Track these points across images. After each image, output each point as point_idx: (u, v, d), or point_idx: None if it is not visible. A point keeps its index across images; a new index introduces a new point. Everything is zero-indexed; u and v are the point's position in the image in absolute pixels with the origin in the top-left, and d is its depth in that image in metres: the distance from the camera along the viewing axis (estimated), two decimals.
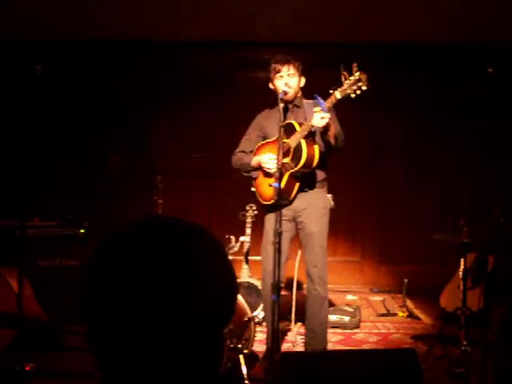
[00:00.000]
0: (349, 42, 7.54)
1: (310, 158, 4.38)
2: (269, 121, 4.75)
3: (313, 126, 4.26)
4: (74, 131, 7.76)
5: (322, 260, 4.62)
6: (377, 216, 7.98)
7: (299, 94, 4.67)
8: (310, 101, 4.68)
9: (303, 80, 4.66)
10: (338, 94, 4.11)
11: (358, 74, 4.05)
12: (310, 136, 4.38)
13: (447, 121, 7.77)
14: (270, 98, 4.76)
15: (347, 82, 4.07)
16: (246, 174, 4.80)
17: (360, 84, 4.04)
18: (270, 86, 4.66)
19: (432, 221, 7.69)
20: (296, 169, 4.38)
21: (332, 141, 4.41)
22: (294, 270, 5.18)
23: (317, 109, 4.18)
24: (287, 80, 4.51)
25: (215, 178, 7.72)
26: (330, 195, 4.71)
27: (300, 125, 4.41)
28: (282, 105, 4.31)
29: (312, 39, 7.37)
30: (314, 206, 4.60)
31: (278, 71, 4.54)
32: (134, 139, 7.93)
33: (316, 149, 4.43)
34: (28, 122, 7.05)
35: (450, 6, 6.32)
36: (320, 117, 4.16)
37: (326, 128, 4.26)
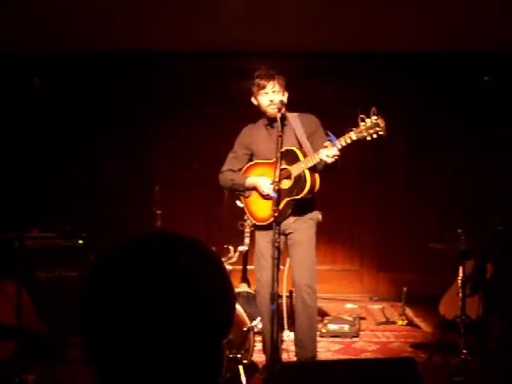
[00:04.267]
0: (346, 50, 7.56)
1: (313, 186, 4.38)
2: (253, 137, 4.73)
3: (321, 160, 4.23)
4: (71, 142, 7.75)
5: (310, 269, 4.60)
6: (375, 225, 7.98)
7: (283, 110, 4.60)
8: (294, 114, 4.66)
9: (286, 95, 4.62)
10: (353, 136, 4.06)
11: (375, 118, 4.00)
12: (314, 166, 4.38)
13: (445, 130, 7.78)
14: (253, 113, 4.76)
15: (363, 124, 4.02)
16: (236, 193, 4.81)
17: (378, 129, 3.99)
18: (253, 100, 4.64)
19: (430, 229, 7.69)
20: (298, 197, 4.38)
21: (330, 170, 4.42)
22: (284, 277, 5.19)
23: (327, 143, 4.14)
24: (272, 97, 4.48)
25: (213, 188, 7.70)
26: (318, 211, 4.69)
27: (302, 153, 4.38)
28: (279, 115, 4.31)
29: (309, 49, 7.37)
30: (302, 218, 4.59)
31: (263, 87, 4.50)
32: (131, 150, 7.93)
33: (317, 177, 4.44)
34: (26, 134, 7.06)
35: (448, 14, 6.33)
36: (331, 154, 4.12)
37: (331, 163, 4.23)
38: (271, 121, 4.54)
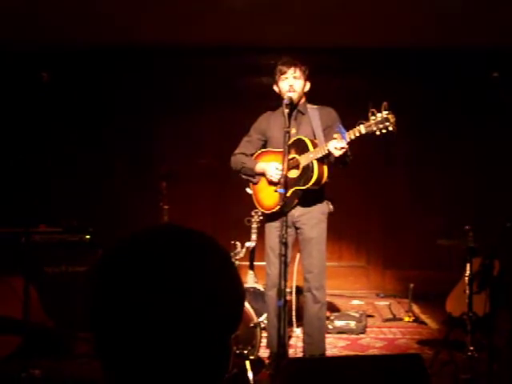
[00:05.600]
0: (352, 47, 7.55)
1: (320, 177, 4.36)
2: (270, 124, 4.72)
3: (329, 152, 4.21)
4: (77, 138, 7.78)
5: (320, 265, 4.60)
6: (382, 221, 7.98)
7: (303, 100, 4.63)
8: (315, 106, 4.65)
9: (308, 85, 4.61)
10: (362, 129, 4.02)
11: (386, 113, 3.96)
12: (323, 158, 4.37)
13: (451, 127, 7.76)
14: (272, 103, 4.74)
15: (373, 118, 3.98)
16: (245, 177, 4.78)
17: (387, 124, 3.95)
18: (275, 88, 4.62)
19: (437, 225, 7.68)
20: (304, 188, 4.36)
21: (341, 165, 4.41)
22: (293, 274, 5.18)
23: (336, 135, 4.11)
24: (292, 82, 4.47)
25: (220, 183, 7.73)
26: (327, 201, 4.68)
27: (313, 144, 4.37)
28: (287, 110, 4.28)
29: (315, 44, 7.36)
30: (312, 212, 4.57)
31: (284, 73, 4.49)
32: (138, 145, 7.94)
33: (325, 169, 4.41)
34: (33, 128, 7.07)
35: (453, 9, 6.31)
36: (339, 146, 4.10)
37: (340, 156, 4.21)
38: (291, 109, 4.49)
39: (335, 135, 4.12)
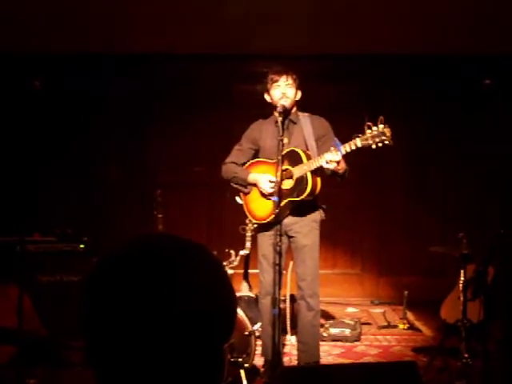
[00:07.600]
0: (348, 53, 7.55)
1: (314, 189, 4.37)
2: (262, 133, 4.71)
3: (323, 166, 4.22)
4: (71, 145, 7.75)
5: (313, 273, 4.60)
6: (376, 228, 7.97)
7: (294, 109, 4.62)
8: (306, 114, 4.66)
9: (299, 94, 4.62)
10: (358, 142, 4.04)
11: (382, 126, 3.98)
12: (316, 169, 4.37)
13: (446, 133, 7.78)
14: (267, 111, 4.74)
15: (370, 132, 4.00)
16: (235, 186, 4.77)
17: (384, 138, 3.97)
18: (266, 97, 4.62)
19: (432, 232, 7.69)
20: (298, 199, 4.37)
21: (338, 178, 4.41)
22: (287, 281, 5.17)
23: (332, 148, 4.12)
24: (284, 90, 4.48)
25: (214, 191, 7.71)
26: (320, 209, 4.68)
27: (306, 155, 4.37)
28: (280, 118, 4.29)
29: (310, 52, 7.38)
30: (305, 220, 4.57)
31: (276, 81, 4.50)
32: (132, 153, 7.92)
33: (319, 180, 4.42)
34: (26, 136, 7.05)
35: (449, 17, 6.34)
36: (333, 159, 4.11)
37: (336, 169, 4.22)
38: (284, 117, 4.47)
39: (331, 148, 4.13)
